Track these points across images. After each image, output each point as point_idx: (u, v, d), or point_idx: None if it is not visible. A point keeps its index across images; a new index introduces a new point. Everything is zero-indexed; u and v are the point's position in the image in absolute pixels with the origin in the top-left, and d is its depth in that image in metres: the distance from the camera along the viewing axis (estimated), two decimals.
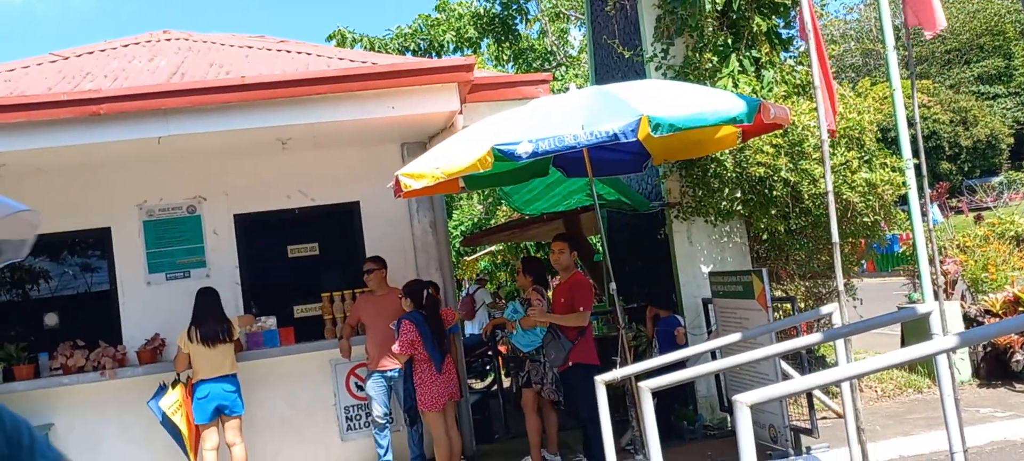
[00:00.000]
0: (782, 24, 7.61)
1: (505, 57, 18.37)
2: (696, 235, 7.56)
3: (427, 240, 7.42)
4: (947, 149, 33.24)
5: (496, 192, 13.23)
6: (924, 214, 5.58)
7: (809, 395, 6.12)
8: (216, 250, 7.31)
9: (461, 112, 6.33)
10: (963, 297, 8.77)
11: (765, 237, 7.43)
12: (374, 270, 6.75)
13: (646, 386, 3.67)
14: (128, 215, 7.21)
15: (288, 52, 7.65)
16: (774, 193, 6.93)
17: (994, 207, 22.62)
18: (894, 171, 6.94)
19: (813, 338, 5.12)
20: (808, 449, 6.11)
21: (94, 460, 6.74)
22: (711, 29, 7.27)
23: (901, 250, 19.06)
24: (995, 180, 32.84)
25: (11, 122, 5.69)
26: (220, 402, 6.33)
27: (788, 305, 6.54)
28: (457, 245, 16.11)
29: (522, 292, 6.95)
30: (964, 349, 7.96)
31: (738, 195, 7.14)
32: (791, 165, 6.80)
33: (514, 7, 17.20)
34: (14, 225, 1.01)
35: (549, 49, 18.71)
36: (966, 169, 34.08)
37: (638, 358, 6.82)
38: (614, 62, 8.86)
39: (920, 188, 5.58)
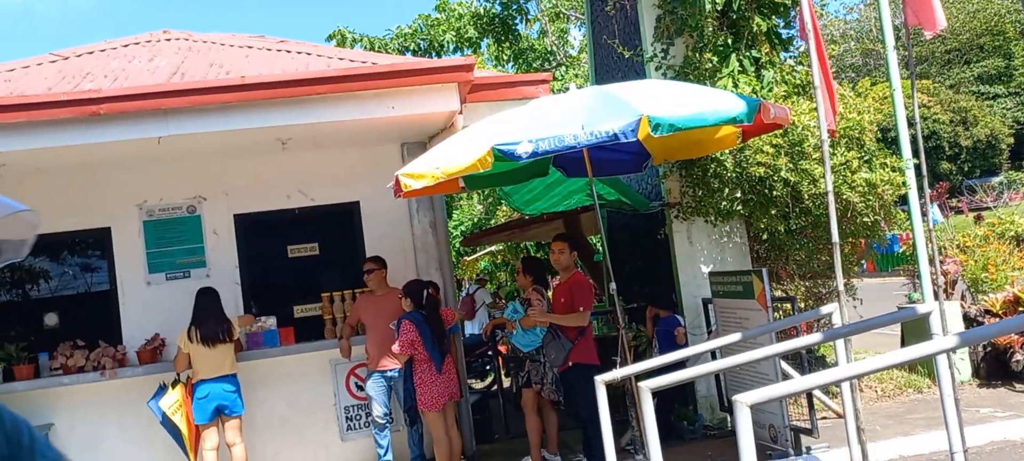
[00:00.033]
0: (782, 24, 7.61)
1: (505, 57, 18.37)
2: (696, 235, 7.56)
3: (427, 240, 7.42)
4: (947, 149, 33.24)
5: (496, 192, 13.23)
6: (924, 214, 5.58)
7: (809, 395, 6.12)
8: (216, 250, 7.31)
9: (461, 112, 6.33)
10: (963, 297, 8.77)
11: (765, 237, 7.43)
12: (374, 270, 6.75)
13: (646, 386, 3.67)
14: (128, 215, 7.22)
15: (288, 52, 7.65)
16: (774, 193, 6.93)
17: (994, 207, 22.62)
18: (894, 171, 6.94)
19: (813, 338, 5.12)
20: (808, 449, 6.11)
21: (94, 460, 6.74)
22: (711, 29, 7.27)
23: (901, 250, 19.06)
24: (995, 180, 32.85)
25: (11, 122, 5.69)
26: (220, 402, 6.33)
27: (788, 305, 6.54)
28: (457, 245, 16.11)
29: (522, 292, 6.95)
30: (964, 349, 7.96)
31: (738, 195, 7.14)
32: (791, 165, 6.80)
33: (514, 7, 17.20)
34: (14, 225, 1.01)
35: (549, 49, 18.71)
36: (966, 169, 34.07)
37: (638, 358, 6.82)
38: (614, 62, 8.86)
39: (920, 188, 5.58)
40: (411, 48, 17.00)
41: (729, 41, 7.30)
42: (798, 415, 6.38)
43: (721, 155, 6.94)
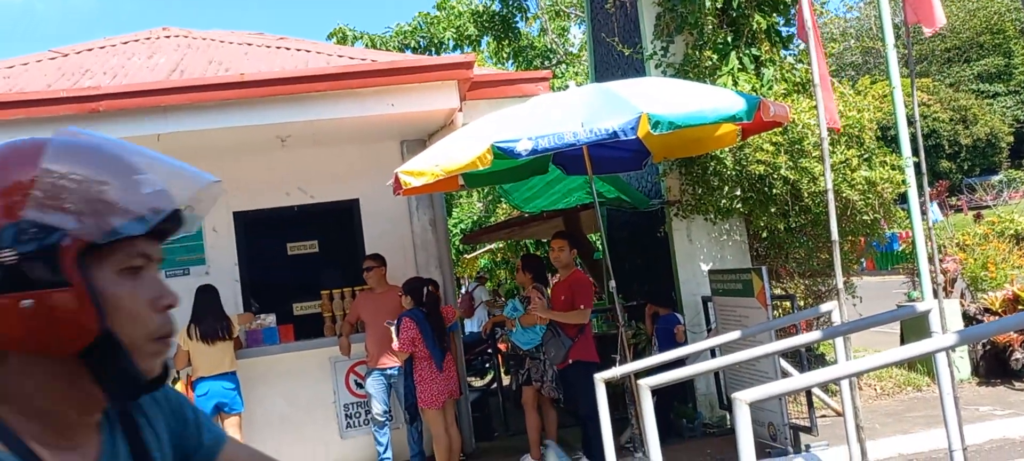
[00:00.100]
0: (782, 22, 7.60)
1: (505, 55, 18.36)
2: (696, 233, 7.56)
3: (427, 238, 7.42)
4: (947, 147, 33.23)
5: (496, 190, 13.24)
6: (924, 212, 5.59)
7: (808, 393, 6.12)
8: (215, 247, 7.30)
9: (461, 110, 6.33)
10: (962, 295, 8.77)
11: (765, 235, 7.43)
12: (374, 268, 6.74)
13: (645, 384, 3.67)
14: None
15: (287, 49, 7.65)
16: (774, 191, 6.93)
17: (994, 205, 22.64)
18: (894, 169, 6.94)
19: (812, 336, 5.14)
20: (807, 447, 6.11)
21: None
22: (711, 27, 7.26)
23: (900, 248, 19.09)
24: (995, 178, 32.84)
25: (10, 119, 5.69)
26: (219, 400, 6.33)
27: (787, 303, 6.54)
28: (457, 243, 16.11)
29: (522, 290, 6.95)
30: (963, 347, 7.96)
31: (738, 193, 7.14)
32: (791, 163, 6.80)
33: (514, 4, 17.19)
34: (202, 196, 1.03)
35: (549, 47, 18.70)
36: (966, 167, 34.07)
37: (637, 356, 6.82)
38: (614, 60, 8.85)
39: (920, 186, 5.58)
40: (411, 45, 17.01)
41: (729, 39, 7.29)
42: (797, 413, 6.39)
43: (721, 153, 6.94)
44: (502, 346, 9.28)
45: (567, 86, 5.81)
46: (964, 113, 33.81)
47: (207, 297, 6.46)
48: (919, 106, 5.85)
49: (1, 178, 0.92)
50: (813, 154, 6.72)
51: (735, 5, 7.20)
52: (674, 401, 7.16)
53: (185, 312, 6.46)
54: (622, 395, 6.40)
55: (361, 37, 16.94)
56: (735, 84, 7.03)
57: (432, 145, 5.90)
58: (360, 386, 7.05)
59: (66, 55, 7.48)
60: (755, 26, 7.25)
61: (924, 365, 7.98)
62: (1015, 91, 37.53)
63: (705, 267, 7.36)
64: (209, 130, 6.04)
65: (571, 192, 8.47)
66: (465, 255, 18.26)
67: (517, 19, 17.55)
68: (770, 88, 7.18)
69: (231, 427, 6.42)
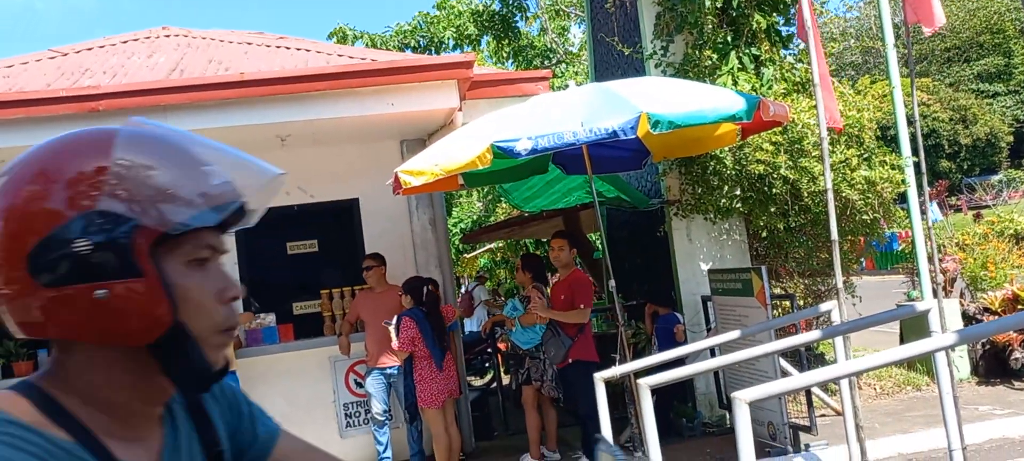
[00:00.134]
0: (782, 21, 7.60)
1: (505, 54, 18.36)
2: (695, 232, 7.56)
3: (426, 237, 7.42)
4: (946, 147, 33.23)
5: (495, 189, 13.24)
6: (923, 212, 5.59)
7: (808, 392, 6.12)
8: None
9: (460, 109, 6.32)
10: (962, 295, 8.77)
11: (764, 235, 7.43)
12: (373, 267, 6.74)
13: (645, 383, 3.67)
14: None
15: (287, 49, 7.65)
16: (773, 191, 6.93)
17: (993, 205, 22.65)
18: (893, 169, 6.94)
19: (812, 335, 5.14)
20: (807, 446, 6.11)
21: None
22: (711, 26, 7.26)
23: (900, 248, 19.09)
24: (994, 178, 32.85)
25: (10, 118, 5.69)
26: None
27: (787, 302, 6.54)
28: (456, 242, 16.12)
29: (521, 289, 6.95)
30: (963, 347, 7.97)
31: (737, 193, 7.14)
32: (790, 163, 6.80)
33: (514, 4, 17.19)
34: (268, 188, 1.03)
35: (549, 46, 18.70)
36: (965, 167, 34.07)
37: (637, 355, 6.82)
38: (614, 59, 8.85)
39: (919, 186, 5.59)
40: (411, 45, 17.01)
41: (729, 38, 7.30)
42: (797, 412, 6.39)
43: (720, 153, 6.94)
44: (502, 345, 9.28)
45: (567, 85, 5.81)
46: (964, 113, 33.81)
47: None
48: (919, 106, 5.85)
49: (73, 167, 0.92)
50: (813, 154, 6.72)
51: (735, 5, 7.20)
52: (674, 400, 7.17)
53: None
54: (622, 394, 6.40)
55: (361, 36, 16.95)
56: (735, 84, 7.03)
57: (432, 144, 5.90)
58: (360, 385, 7.05)
59: (66, 54, 7.48)
60: (755, 26, 7.26)
61: (924, 364, 7.98)
62: (1015, 91, 37.54)
63: (705, 266, 7.37)
64: (209, 129, 6.03)
65: (571, 191, 8.47)
66: (465, 254, 18.26)
67: (517, 18, 17.56)
68: (770, 88, 7.19)
69: None
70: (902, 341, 8.63)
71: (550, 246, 6.63)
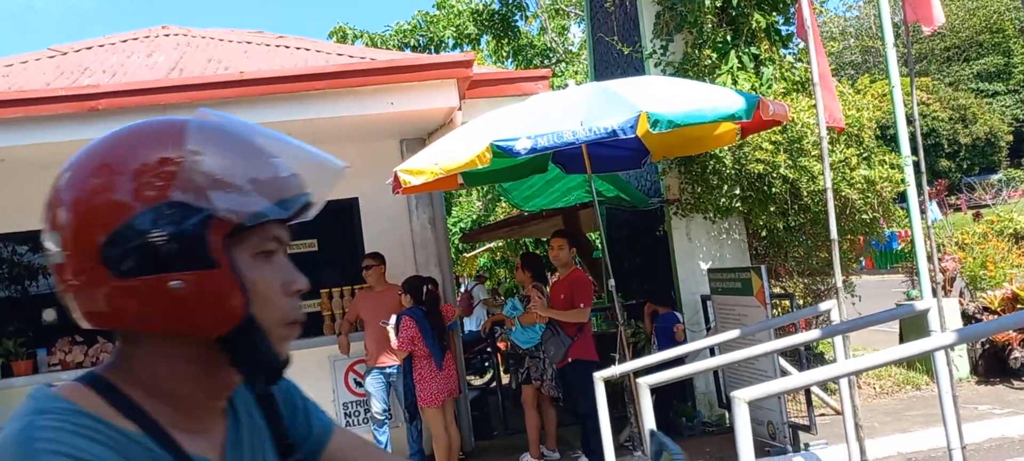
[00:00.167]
0: (782, 21, 7.60)
1: (504, 53, 18.37)
2: (695, 232, 7.56)
3: (426, 236, 7.41)
4: (946, 146, 33.24)
5: (495, 189, 13.24)
6: (923, 211, 5.59)
7: (807, 392, 6.12)
8: None
9: (460, 108, 6.32)
10: (961, 294, 8.77)
11: (764, 234, 7.43)
12: (373, 266, 6.74)
13: (645, 382, 3.67)
14: None
15: (287, 48, 7.64)
16: (773, 190, 6.93)
17: (993, 204, 22.65)
18: (893, 168, 6.94)
19: (811, 335, 5.14)
20: (806, 446, 6.11)
21: None
22: (710, 25, 7.26)
23: (900, 247, 19.11)
24: (994, 177, 32.86)
25: (10, 117, 5.68)
26: None
27: (787, 302, 6.55)
28: (456, 242, 16.12)
29: (521, 288, 6.95)
30: (962, 346, 7.97)
31: (737, 192, 7.14)
32: (790, 162, 6.80)
33: (513, 3, 17.19)
34: (332, 180, 1.03)
35: (548, 45, 18.70)
36: (965, 166, 34.08)
37: (637, 355, 6.82)
38: (613, 58, 8.85)
39: (919, 185, 5.58)
40: (411, 44, 17.02)
41: (728, 37, 7.30)
42: (796, 412, 6.39)
43: (720, 152, 6.94)
44: (501, 345, 9.28)
45: (566, 85, 5.81)
46: (963, 112, 33.81)
47: None
48: (918, 105, 5.85)
49: (145, 157, 0.91)
50: (812, 153, 6.72)
51: (735, 4, 7.20)
52: (673, 400, 7.17)
53: None
54: (621, 394, 6.41)
55: (361, 36, 16.96)
56: (734, 83, 7.03)
57: (431, 144, 5.90)
58: (359, 385, 7.05)
59: (65, 53, 7.48)
60: (755, 25, 7.26)
61: (923, 364, 7.98)
62: (1014, 90, 37.54)
63: (704, 266, 7.37)
64: None
65: (570, 191, 8.47)
66: (464, 253, 18.25)
67: (516, 18, 17.57)
68: (769, 87, 7.19)
69: None
70: (901, 340, 8.64)
71: (550, 245, 6.63)
